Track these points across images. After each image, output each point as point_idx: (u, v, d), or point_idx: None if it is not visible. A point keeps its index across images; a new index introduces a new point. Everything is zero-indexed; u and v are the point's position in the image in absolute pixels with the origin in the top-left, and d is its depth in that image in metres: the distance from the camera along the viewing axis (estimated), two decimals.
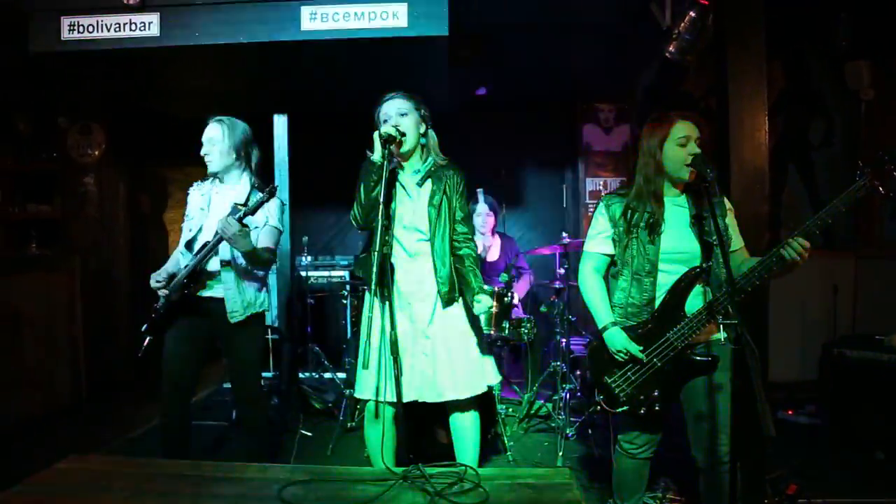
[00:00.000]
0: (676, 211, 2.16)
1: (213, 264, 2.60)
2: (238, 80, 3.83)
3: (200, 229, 2.65)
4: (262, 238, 2.64)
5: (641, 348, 2.10)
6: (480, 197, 4.27)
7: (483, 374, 2.51)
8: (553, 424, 3.81)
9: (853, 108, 4.54)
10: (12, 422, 3.98)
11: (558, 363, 3.80)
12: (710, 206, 1.96)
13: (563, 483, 1.64)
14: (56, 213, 5.43)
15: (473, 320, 2.51)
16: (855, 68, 4.36)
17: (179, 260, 2.70)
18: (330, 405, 4.22)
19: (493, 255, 4.31)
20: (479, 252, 4.15)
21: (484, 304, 2.36)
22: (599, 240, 2.26)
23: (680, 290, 2.08)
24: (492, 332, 3.51)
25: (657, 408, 2.11)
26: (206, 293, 2.64)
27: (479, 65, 4.60)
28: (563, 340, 3.84)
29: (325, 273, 5.46)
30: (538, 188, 6.17)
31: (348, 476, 1.70)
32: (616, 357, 2.14)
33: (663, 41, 3.42)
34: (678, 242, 2.12)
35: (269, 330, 4.76)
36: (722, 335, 2.12)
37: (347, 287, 4.86)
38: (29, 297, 4.30)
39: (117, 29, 2.93)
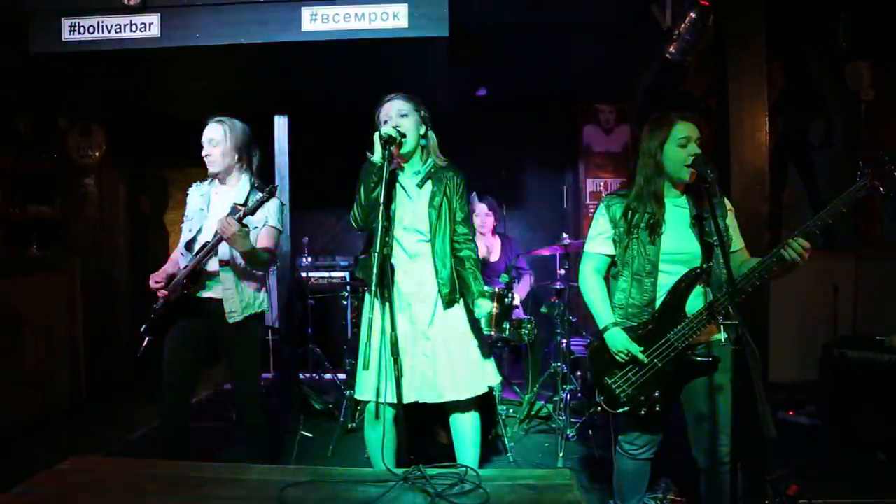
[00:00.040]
0: (677, 211, 2.16)
1: (213, 264, 2.60)
2: (238, 81, 3.83)
3: (200, 230, 2.64)
4: (261, 238, 2.64)
5: (642, 349, 2.10)
6: (475, 197, 4.27)
7: (483, 375, 2.51)
8: (554, 425, 3.81)
9: (853, 109, 4.55)
10: (12, 422, 3.98)
11: (559, 364, 3.80)
12: (711, 206, 1.96)
13: (564, 484, 1.64)
14: (56, 214, 5.43)
15: (474, 321, 2.51)
16: (855, 69, 4.36)
17: (179, 260, 2.70)
18: (330, 406, 4.22)
19: (494, 256, 4.31)
20: (483, 255, 4.21)
21: (484, 308, 2.37)
22: (600, 240, 2.26)
23: (680, 290, 2.08)
24: (492, 333, 3.51)
25: (658, 408, 2.11)
26: (206, 294, 2.64)
27: (479, 65, 4.60)
28: (564, 341, 3.83)
29: (326, 274, 5.46)
30: (538, 189, 6.17)
31: (349, 477, 1.70)
32: (617, 358, 2.14)
33: (664, 42, 3.42)
34: (679, 243, 2.12)
35: (270, 331, 4.77)
36: (722, 336, 2.12)
37: (348, 288, 4.86)
38: (29, 298, 4.30)
39: (118, 30, 2.93)
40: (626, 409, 2.14)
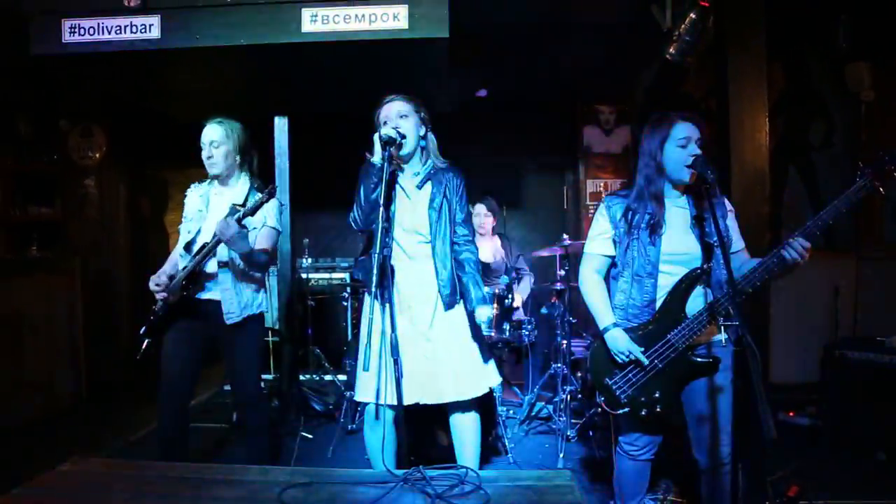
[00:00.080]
0: (677, 212, 2.16)
1: (211, 266, 2.60)
2: (239, 82, 3.83)
3: (199, 231, 2.64)
4: (260, 239, 2.64)
5: (642, 349, 2.10)
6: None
7: (484, 375, 2.51)
8: (554, 426, 3.80)
9: (853, 110, 4.55)
10: (12, 423, 3.99)
11: (559, 365, 3.80)
12: (711, 207, 1.96)
13: (564, 485, 1.63)
14: (57, 215, 5.44)
15: (474, 323, 2.50)
16: (855, 70, 4.36)
17: (178, 262, 2.69)
18: (330, 407, 4.22)
19: (494, 257, 4.31)
20: (485, 258, 4.21)
21: (483, 315, 2.38)
22: (600, 241, 2.26)
23: (681, 291, 2.08)
24: (492, 335, 3.51)
25: (658, 409, 2.11)
26: (204, 295, 2.64)
27: (479, 65, 4.61)
28: (564, 342, 3.83)
29: (326, 275, 5.47)
30: (538, 190, 6.18)
31: (349, 478, 1.70)
32: (617, 358, 2.13)
33: (664, 42, 3.42)
34: (679, 244, 2.12)
35: (270, 332, 4.77)
36: (723, 336, 2.12)
37: (348, 289, 4.87)
38: (30, 299, 4.31)
39: (118, 31, 2.93)
40: (626, 409, 2.14)
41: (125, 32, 2.93)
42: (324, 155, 5.08)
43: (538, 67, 4.93)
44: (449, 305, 2.43)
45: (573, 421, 3.69)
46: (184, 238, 2.68)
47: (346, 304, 4.92)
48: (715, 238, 1.97)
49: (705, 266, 2.08)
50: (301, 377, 4.69)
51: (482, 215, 4.23)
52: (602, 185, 5.83)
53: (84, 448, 3.67)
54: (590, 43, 4.32)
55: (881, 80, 4.32)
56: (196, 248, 2.58)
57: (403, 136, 2.33)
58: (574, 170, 6.02)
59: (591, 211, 5.69)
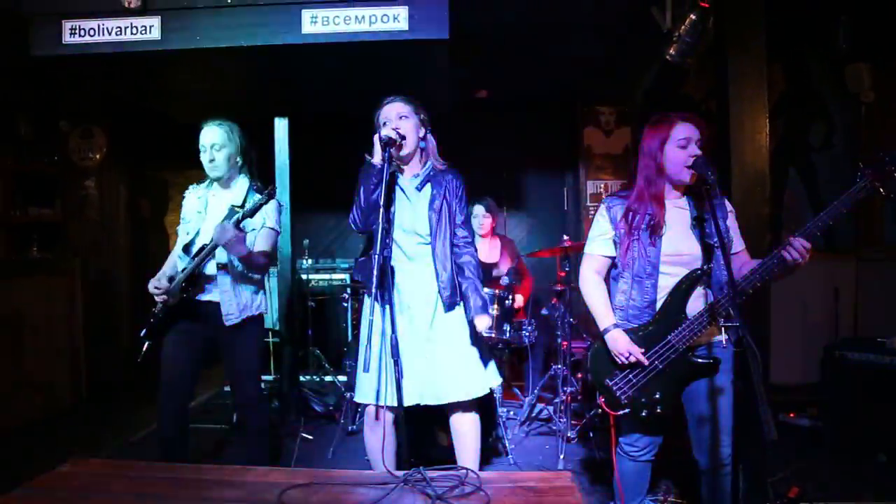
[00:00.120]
0: (677, 213, 2.16)
1: (210, 268, 2.60)
2: (239, 84, 3.84)
3: (198, 232, 2.64)
4: (259, 241, 2.64)
5: (643, 350, 2.10)
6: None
7: (484, 376, 2.51)
8: (554, 427, 3.80)
9: (853, 111, 4.55)
10: (12, 423, 3.99)
11: (559, 366, 3.79)
12: (712, 208, 1.96)
13: (565, 486, 1.63)
14: (57, 217, 5.44)
15: (474, 326, 2.50)
16: (855, 71, 4.37)
17: (177, 263, 2.69)
18: (331, 408, 4.22)
19: (494, 258, 4.31)
20: (488, 259, 4.21)
21: (481, 326, 2.38)
22: (600, 241, 2.26)
23: (681, 292, 2.08)
24: (493, 335, 3.50)
25: (659, 410, 2.11)
26: (204, 297, 2.64)
27: (479, 65, 4.60)
28: (564, 343, 3.83)
29: (326, 276, 5.47)
30: (539, 191, 6.17)
31: (349, 479, 1.70)
32: (617, 359, 2.13)
33: (664, 44, 3.42)
34: (679, 244, 2.12)
35: (270, 333, 4.77)
36: (723, 337, 2.12)
37: (348, 290, 4.87)
38: (30, 300, 4.31)
39: (118, 32, 2.93)
40: (626, 410, 2.14)
41: (125, 34, 2.93)
42: (324, 156, 5.08)
43: (538, 68, 4.94)
44: (449, 307, 2.43)
45: (573, 422, 3.69)
46: (182, 240, 2.68)
47: (346, 304, 4.92)
48: (715, 239, 1.96)
49: (705, 267, 2.07)
50: (301, 378, 4.69)
51: (481, 216, 4.23)
52: (602, 186, 5.83)
53: (84, 448, 3.67)
54: (590, 44, 4.32)
55: (881, 81, 4.33)
56: (195, 249, 2.58)
57: (403, 137, 2.34)
58: (574, 171, 6.02)
59: (592, 212, 5.69)
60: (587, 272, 2.28)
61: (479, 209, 4.22)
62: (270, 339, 4.92)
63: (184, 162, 2.73)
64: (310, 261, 5.11)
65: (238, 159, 2.69)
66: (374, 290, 2.10)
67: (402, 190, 2.44)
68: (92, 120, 5.33)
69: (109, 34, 2.93)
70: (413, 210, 2.43)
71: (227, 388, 4.87)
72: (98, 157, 5.35)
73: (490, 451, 3.44)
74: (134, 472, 1.79)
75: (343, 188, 2.64)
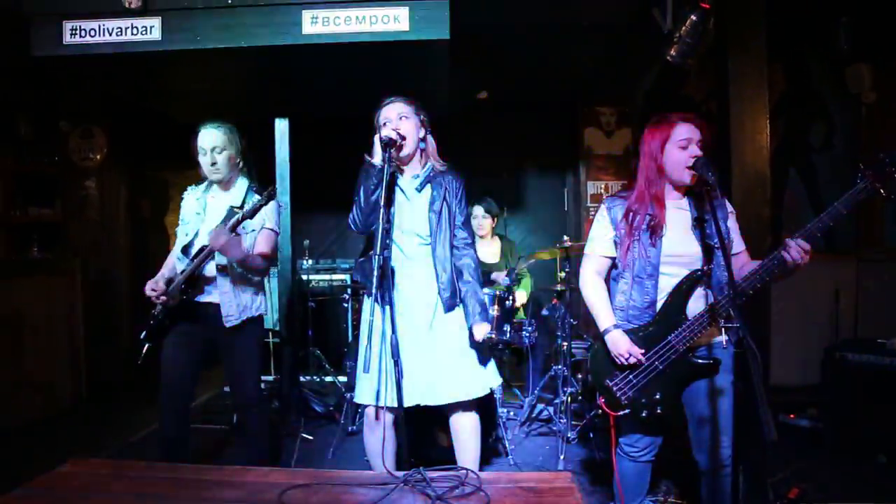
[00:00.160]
0: (678, 214, 2.16)
1: (210, 269, 2.59)
2: (239, 84, 3.84)
3: (197, 234, 2.63)
4: (259, 242, 2.64)
5: (643, 351, 2.09)
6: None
7: (484, 377, 2.51)
8: (554, 428, 3.80)
9: (854, 111, 4.55)
10: (12, 424, 3.99)
11: (560, 367, 3.79)
12: (712, 208, 1.96)
13: (565, 487, 1.63)
14: (57, 217, 5.44)
15: None
16: (856, 71, 4.37)
17: (175, 265, 2.69)
18: (331, 409, 4.22)
19: (493, 258, 4.31)
20: (487, 259, 4.21)
21: (479, 334, 2.38)
22: (601, 242, 2.26)
23: (681, 292, 2.08)
24: (493, 336, 3.50)
25: (659, 410, 2.11)
26: (204, 298, 2.63)
27: (480, 66, 4.60)
28: (565, 344, 3.83)
29: (327, 276, 5.46)
30: (539, 191, 6.18)
31: (349, 480, 1.70)
32: (617, 360, 2.13)
33: (664, 44, 3.41)
34: (679, 245, 2.12)
35: (271, 333, 4.77)
36: (723, 338, 2.11)
37: (348, 290, 4.86)
38: (30, 300, 4.31)
39: (119, 33, 2.93)
40: (626, 411, 2.13)
41: (126, 34, 2.93)
42: (324, 156, 5.08)
43: (539, 69, 4.94)
44: (449, 308, 2.43)
45: (573, 423, 3.68)
46: (181, 241, 2.67)
47: (346, 305, 4.92)
48: (716, 240, 1.96)
49: (706, 268, 2.07)
50: (301, 378, 4.69)
51: (480, 217, 4.23)
52: (603, 186, 5.84)
53: (84, 448, 3.67)
54: (590, 45, 4.32)
55: (882, 81, 4.32)
56: (194, 251, 2.57)
57: (403, 138, 2.34)
58: (575, 171, 6.02)
59: (592, 212, 5.69)
60: (587, 273, 2.28)
61: (477, 210, 4.22)
62: (271, 340, 4.92)
63: (184, 162, 2.72)
64: (310, 261, 5.11)
65: (240, 162, 2.69)
66: (373, 291, 2.10)
67: (402, 191, 2.44)
68: (92, 120, 5.33)
69: (110, 35, 2.93)
70: (413, 211, 2.43)
71: (226, 389, 4.87)
72: (98, 157, 5.35)
73: (490, 451, 3.44)
74: (134, 472, 1.79)
75: (343, 188, 2.64)
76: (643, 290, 2.14)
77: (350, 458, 3.45)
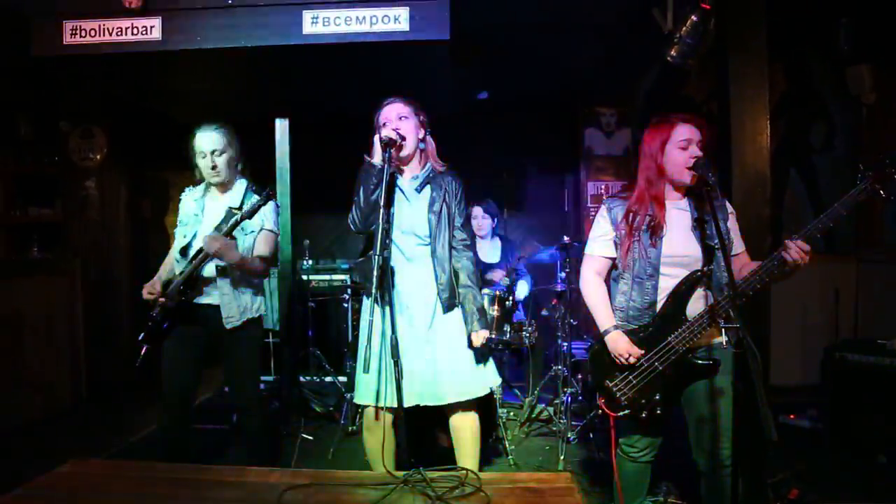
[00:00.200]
0: (678, 214, 2.16)
1: (209, 270, 2.58)
2: (240, 84, 3.84)
3: (195, 235, 2.62)
4: (258, 243, 2.63)
5: (643, 352, 2.09)
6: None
7: (484, 377, 2.50)
8: (554, 428, 3.80)
9: (855, 112, 4.55)
10: (12, 424, 3.98)
11: (559, 367, 3.79)
12: (712, 209, 1.95)
13: (565, 487, 1.63)
14: (57, 217, 5.43)
15: None
16: (856, 72, 4.36)
17: (174, 266, 2.68)
18: (331, 409, 4.22)
19: (493, 258, 4.31)
20: (486, 259, 4.21)
21: (477, 341, 2.38)
22: (601, 242, 2.26)
23: (681, 293, 2.08)
24: (493, 336, 3.50)
25: (659, 411, 2.11)
26: (203, 300, 2.62)
27: (480, 66, 4.60)
28: (565, 344, 3.83)
29: (327, 277, 5.45)
30: (539, 192, 6.18)
31: (349, 480, 1.70)
32: (617, 360, 2.13)
33: (665, 45, 3.42)
34: (680, 246, 2.11)
35: (271, 333, 4.77)
36: (723, 339, 2.11)
37: (348, 291, 4.86)
38: (30, 300, 4.31)
39: (119, 33, 2.93)
40: (626, 411, 2.13)
41: (126, 34, 2.93)
42: (324, 156, 5.07)
43: (539, 69, 4.94)
44: (448, 308, 2.43)
45: (573, 423, 3.69)
46: (179, 242, 2.65)
47: (346, 305, 4.92)
48: (716, 240, 1.96)
49: (706, 268, 2.07)
50: (301, 379, 4.69)
51: (479, 217, 4.23)
52: (603, 187, 5.83)
53: (84, 449, 3.66)
54: (590, 45, 4.32)
55: (882, 82, 4.32)
56: (192, 252, 2.56)
57: (403, 138, 2.34)
58: (575, 172, 6.02)
59: (592, 213, 5.68)
60: (587, 273, 2.28)
61: (476, 210, 4.22)
62: (271, 340, 4.91)
63: (184, 162, 2.71)
64: (310, 261, 5.11)
65: (240, 164, 2.68)
66: (373, 291, 2.10)
67: (401, 191, 2.44)
68: (92, 120, 5.32)
69: (110, 35, 2.94)
70: (412, 211, 2.43)
71: (227, 389, 4.87)
72: (98, 157, 5.34)
73: (490, 451, 3.44)
74: (134, 472, 1.79)
75: (343, 189, 2.63)
76: (643, 291, 2.14)
77: (350, 458, 3.45)
